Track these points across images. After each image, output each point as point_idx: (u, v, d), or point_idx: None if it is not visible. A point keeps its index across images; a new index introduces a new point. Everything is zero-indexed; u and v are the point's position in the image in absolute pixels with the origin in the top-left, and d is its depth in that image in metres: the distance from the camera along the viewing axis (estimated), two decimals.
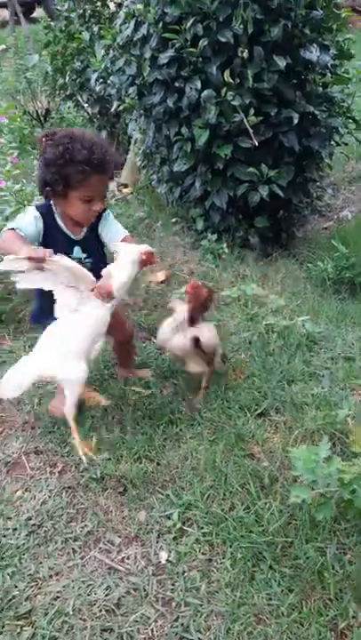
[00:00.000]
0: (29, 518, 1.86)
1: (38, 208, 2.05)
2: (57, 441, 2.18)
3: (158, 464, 2.05)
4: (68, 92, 5.47)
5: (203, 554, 1.72)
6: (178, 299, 2.43)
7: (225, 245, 3.64)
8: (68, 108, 5.69)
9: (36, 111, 6.43)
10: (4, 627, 1.53)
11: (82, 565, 1.71)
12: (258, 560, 1.67)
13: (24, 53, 6.75)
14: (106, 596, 1.63)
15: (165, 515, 1.85)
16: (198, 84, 3.20)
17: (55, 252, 1.90)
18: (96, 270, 2.01)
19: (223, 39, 3.08)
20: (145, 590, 1.64)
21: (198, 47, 3.12)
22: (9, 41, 8.43)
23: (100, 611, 1.59)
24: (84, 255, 2.11)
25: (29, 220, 1.99)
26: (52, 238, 2.03)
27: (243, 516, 1.79)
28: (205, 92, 3.19)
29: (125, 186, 4.99)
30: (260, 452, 2.07)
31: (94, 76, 4.24)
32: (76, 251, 2.10)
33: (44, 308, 2.06)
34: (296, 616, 1.52)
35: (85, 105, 5.60)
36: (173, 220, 4.20)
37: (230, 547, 1.71)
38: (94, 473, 2.00)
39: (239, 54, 3.11)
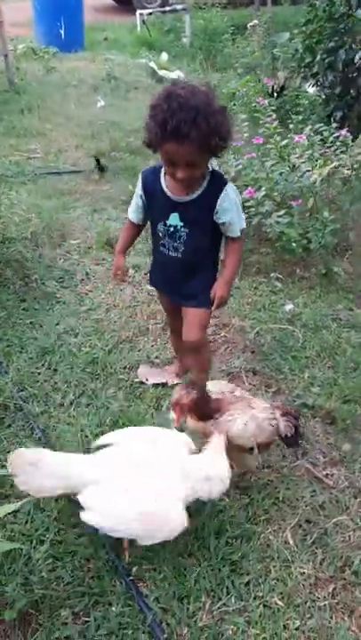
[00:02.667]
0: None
1: (145, 170, 1.94)
2: (273, 367, 2.44)
3: None
4: (313, 71, 5.62)
5: None
6: None
7: None
8: (309, 86, 5.84)
9: (272, 86, 6.70)
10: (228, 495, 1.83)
11: (291, 467, 1.95)
12: None
13: (274, 31, 7.03)
14: (311, 497, 1.85)
15: None
16: None
17: (155, 217, 1.90)
18: (191, 243, 1.87)
19: None
20: (346, 505, 1.83)
21: None
22: (252, 20, 8.81)
23: (306, 507, 1.81)
24: (181, 223, 1.85)
25: (134, 201, 1.96)
26: (154, 200, 1.89)
27: None
28: None
29: (351, 169, 5.03)
30: None
31: (359, 54, 4.34)
32: (173, 217, 1.86)
33: (154, 268, 2.13)
34: None
35: (325, 86, 5.71)
36: None
37: None
38: (306, 400, 2.23)
39: None
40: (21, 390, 2.20)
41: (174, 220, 1.86)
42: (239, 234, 1.89)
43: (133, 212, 1.99)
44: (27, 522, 1.69)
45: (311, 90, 6.31)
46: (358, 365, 2.44)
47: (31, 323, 2.63)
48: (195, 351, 2.10)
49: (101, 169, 4.53)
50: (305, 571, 1.61)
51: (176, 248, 1.90)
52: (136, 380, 2.30)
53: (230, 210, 1.83)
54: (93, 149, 4.80)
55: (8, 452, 1.91)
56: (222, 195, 1.81)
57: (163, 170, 1.83)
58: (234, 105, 5.88)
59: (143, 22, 10.13)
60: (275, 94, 6.47)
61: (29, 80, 6.93)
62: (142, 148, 4.83)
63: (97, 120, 5.59)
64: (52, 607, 1.47)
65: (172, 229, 1.87)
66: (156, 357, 2.47)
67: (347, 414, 2.16)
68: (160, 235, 1.92)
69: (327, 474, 1.95)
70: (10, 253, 3.04)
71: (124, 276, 2.09)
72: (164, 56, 8.73)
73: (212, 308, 1.96)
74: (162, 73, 7.93)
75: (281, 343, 2.60)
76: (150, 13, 10.40)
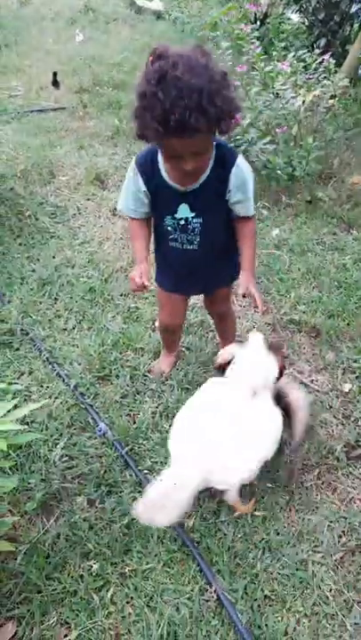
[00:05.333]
0: (239, 335, 2.31)
1: (139, 158, 1.56)
2: (261, 289, 2.58)
3: (349, 324, 2.37)
4: None
5: None
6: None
7: None
8: (292, 12, 5.71)
9: (255, 14, 6.51)
10: None
11: None
12: None
13: None
14: None
15: (353, 358, 2.19)
16: None
17: (161, 211, 1.61)
18: (206, 233, 1.63)
19: None
20: (330, 405, 2.02)
21: None
22: None
23: None
24: (192, 214, 1.59)
25: (132, 197, 1.60)
26: (157, 193, 1.58)
27: None
28: None
29: (333, 97, 5.01)
30: None
31: None
32: (182, 209, 1.59)
33: (163, 269, 1.85)
34: None
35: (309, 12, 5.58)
36: None
37: None
38: (293, 317, 2.39)
39: None
40: (25, 318, 2.34)
41: (184, 211, 1.60)
42: (253, 212, 1.65)
43: (136, 210, 1.62)
44: (42, 430, 1.86)
45: (294, 16, 6.18)
46: (341, 284, 2.59)
47: (28, 257, 2.73)
48: (225, 317, 2.09)
49: (56, 83, 4.56)
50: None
51: (190, 241, 1.65)
52: (133, 305, 2.44)
53: (244, 185, 1.57)
54: (76, 86, 4.74)
55: (18, 372, 2.09)
56: (234, 170, 1.53)
57: (159, 157, 1.52)
58: (217, 34, 5.76)
59: None
60: (258, 22, 6.32)
61: (3, 14, 6.70)
62: (125, 82, 4.82)
63: (77, 55, 5.47)
64: (70, 496, 1.66)
65: (182, 222, 1.61)
66: (151, 284, 2.59)
67: (330, 327, 2.33)
68: (169, 229, 1.64)
69: (313, 380, 2.14)
70: (2, 191, 3.10)
71: (148, 282, 1.56)
72: None
73: (260, 310, 1.60)
74: (140, 2, 7.66)
75: (268, 267, 2.73)
76: None
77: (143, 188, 1.57)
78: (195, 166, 1.41)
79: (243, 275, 1.62)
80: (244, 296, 1.60)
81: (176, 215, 1.59)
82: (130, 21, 7.16)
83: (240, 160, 1.54)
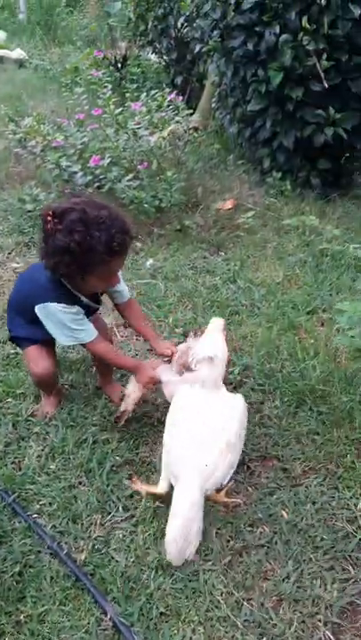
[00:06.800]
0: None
1: (57, 299, 1.81)
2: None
3: None
4: (148, 39, 5.82)
5: (257, 398, 2.19)
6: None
7: (288, 183, 3.98)
8: (148, 54, 6.04)
9: (114, 57, 6.80)
10: (110, 430, 2.06)
11: None
12: (300, 403, 2.14)
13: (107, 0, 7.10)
14: None
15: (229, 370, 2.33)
16: (277, 29, 3.52)
17: None
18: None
19: None
20: None
21: None
22: None
23: None
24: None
25: (84, 322, 1.88)
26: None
27: (290, 371, 2.25)
28: (283, 36, 3.51)
29: (196, 129, 5.33)
30: (307, 336, 2.51)
31: (181, 20, 4.59)
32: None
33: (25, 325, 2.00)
34: (328, 437, 1.98)
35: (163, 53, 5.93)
36: (240, 161, 4.56)
37: (279, 392, 2.18)
38: (172, 339, 2.50)
39: (317, 1, 3.40)
40: None
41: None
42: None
43: (90, 329, 1.89)
44: None
45: (153, 57, 6.52)
46: (213, 303, 2.76)
47: None
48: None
49: None
50: None
51: None
52: (12, 351, 2.44)
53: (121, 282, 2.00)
54: None
55: None
56: None
57: (67, 286, 1.83)
58: (80, 78, 5.96)
59: None
60: (118, 65, 6.58)
61: None
62: None
63: None
64: None
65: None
66: None
67: None
68: None
69: None
70: None
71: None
72: (1, 35, 8.48)
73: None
74: (1, 52, 7.73)
75: (146, 296, 2.84)
76: None
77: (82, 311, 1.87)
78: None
79: (159, 342, 2.09)
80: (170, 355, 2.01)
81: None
82: None
83: None
